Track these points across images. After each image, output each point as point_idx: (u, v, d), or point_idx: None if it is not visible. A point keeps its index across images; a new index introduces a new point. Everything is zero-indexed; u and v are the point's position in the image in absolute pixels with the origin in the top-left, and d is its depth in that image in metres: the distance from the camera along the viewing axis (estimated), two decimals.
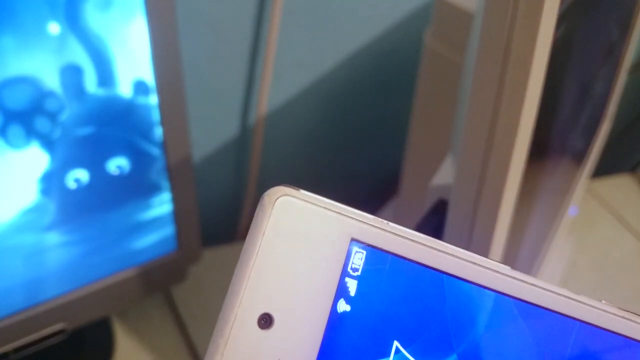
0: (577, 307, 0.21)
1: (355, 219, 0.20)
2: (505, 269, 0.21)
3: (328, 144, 0.69)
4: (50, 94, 0.37)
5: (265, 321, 0.20)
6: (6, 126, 0.36)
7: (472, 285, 0.21)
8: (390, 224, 0.21)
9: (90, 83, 0.38)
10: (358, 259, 0.20)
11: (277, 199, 0.20)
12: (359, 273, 0.20)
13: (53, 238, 0.41)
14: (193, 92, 0.56)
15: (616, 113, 0.57)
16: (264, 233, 0.20)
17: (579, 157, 0.50)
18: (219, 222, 0.68)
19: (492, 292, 0.21)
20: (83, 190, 0.41)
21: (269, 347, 0.20)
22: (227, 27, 0.55)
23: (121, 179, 0.42)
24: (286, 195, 0.20)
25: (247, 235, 0.20)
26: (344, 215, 0.20)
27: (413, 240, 0.21)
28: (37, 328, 0.43)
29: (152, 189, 0.44)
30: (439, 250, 0.21)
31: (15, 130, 0.36)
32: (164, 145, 0.43)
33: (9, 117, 0.36)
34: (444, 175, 0.40)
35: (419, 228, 0.39)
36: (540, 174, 0.38)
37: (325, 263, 0.20)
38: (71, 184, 0.40)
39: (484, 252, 0.32)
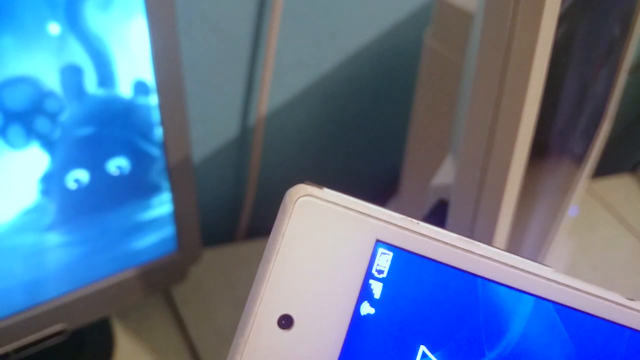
0: (629, 314, 0.19)
1: (381, 220, 0.20)
2: (548, 271, 0.20)
3: (328, 144, 0.69)
4: (50, 94, 0.37)
5: (286, 322, 0.19)
6: (6, 126, 0.36)
7: (510, 289, 0.20)
8: (421, 223, 0.20)
9: (90, 83, 0.38)
10: (384, 261, 0.20)
11: (298, 198, 0.20)
12: (384, 275, 0.20)
13: (53, 238, 0.41)
14: (193, 92, 0.56)
15: (616, 113, 0.57)
16: (284, 234, 0.20)
17: (579, 157, 0.50)
18: (219, 222, 0.68)
19: (531, 296, 0.20)
20: (83, 190, 0.41)
21: (289, 348, 0.19)
22: (227, 27, 0.55)
23: (121, 179, 0.42)
24: (308, 195, 0.20)
25: (270, 235, 0.20)
26: (369, 215, 0.20)
27: (444, 242, 0.20)
28: (38, 328, 0.43)
29: (152, 189, 0.44)
30: (473, 253, 0.20)
31: (16, 130, 0.36)
32: (164, 145, 0.43)
33: (9, 117, 0.36)
34: (444, 175, 0.40)
35: None
36: (540, 174, 0.38)
37: (349, 264, 0.19)
38: (71, 184, 0.40)
39: None
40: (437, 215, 0.38)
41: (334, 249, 0.20)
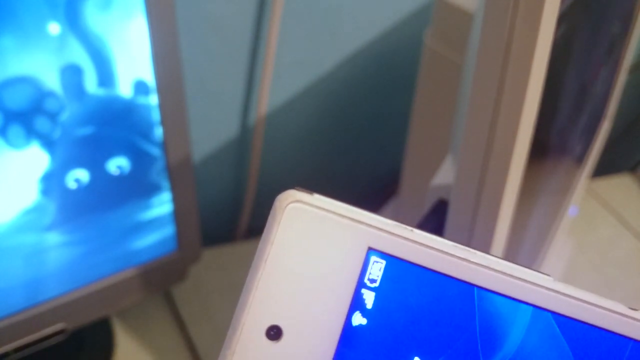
0: (632, 324, 0.19)
1: (374, 227, 0.19)
2: (546, 280, 0.19)
3: (328, 144, 0.69)
4: (50, 94, 0.37)
5: (274, 333, 0.19)
6: (6, 126, 0.36)
7: (507, 299, 0.19)
8: (415, 230, 0.19)
9: (90, 83, 0.38)
10: (376, 269, 0.19)
11: (287, 204, 0.19)
12: (377, 284, 0.19)
13: (53, 238, 0.41)
14: (193, 92, 0.56)
15: (616, 113, 0.57)
16: (272, 242, 0.19)
17: (579, 157, 0.50)
18: (219, 222, 0.68)
19: (529, 306, 0.19)
20: (83, 190, 0.41)
21: (278, 359, 0.19)
22: (227, 27, 0.55)
23: (121, 179, 0.42)
24: (297, 201, 0.19)
25: (260, 242, 0.19)
26: (361, 222, 0.19)
27: (439, 250, 0.19)
28: (38, 328, 0.43)
29: (152, 189, 0.44)
30: (469, 261, 0.19)
31: (16, 130, 0.36)
32: (164, 145, 0.43)
33: (9, 117, 0.36)
34: (444, 175, 0.40)
35: (419, 228, 0.38)
36: (540, 174, 0.38)
37: (339, 273, 0.19)
38: (71, 184, 0.40)
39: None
40: (437, 215, 0.38)
41: (325, 257, 0.19)
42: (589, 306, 0.19)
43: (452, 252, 0.19)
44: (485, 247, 0.32)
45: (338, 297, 0.19)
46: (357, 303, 0.19)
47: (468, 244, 0.33)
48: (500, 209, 0.31)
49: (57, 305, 0.43)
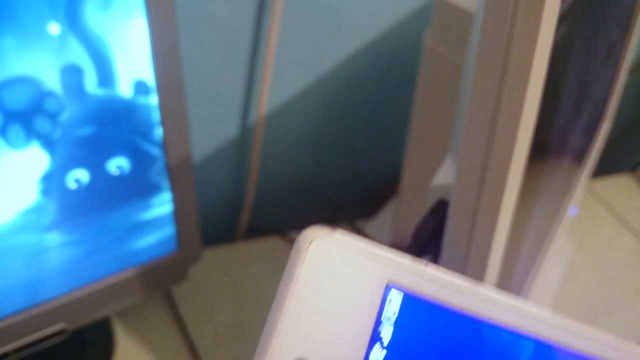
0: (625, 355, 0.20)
1: (391, 262, 0.20)
2: (551, 316, 0.20)
3: (328, 144, 0.69)
4: (50, 94, 0.37)
5: None
6: (6, 126, 0.36)
7: (514, 333, 0.20)
8: (429, 266, 0.20)
9: (90, 83, 0.38)
10: (394, 304, 0.20)
11: (310, 242, 0.20)
12: (394, 318, 0.20)
13: (53, 238, 0.41)
14: (193, 92, 0.56)
15: (616, 113, 0.57)
16: (297, 278, 0.20)
17: (579, 157, 0.50)
18: (219, 222, 0.68)
19: (534, 341, 0.20)
20: (83, 190, 0.41)
21: None
22: (227, 27, 0.55)
23: (121, 179, 0.42)
24: (320, 238, 0.20)
25: (282, 278, 0.20)
26: (380, 258, 0.20)
27: (451, 284, 0.20)
28: (38, 328, 0.43)
29: (152, 189, 0.44)
30: (477, 295, 0.20)
31: (16, 130, 0.36)
32: (164, 145, 0.43)
33: (9, 117, 0.36)
34: (444, 175, 0.40)
35: (419, 228, 0.39)
36: (540, 174, 0.38)
37: (360, 308, 0.20)
38: (71, 184, 0.40)
39: (484, 252, 0.32)
40: (437, 215, 0.38)
41: (346, 292, 0.20)
42: (592, 341, 0.20)
43: (459, 285, 0.20)
44: (485, 247, 0.32)
45: (359, 331, 0.20)
46: (376, 337, 0.20)
47: (468, 244, 0.33)
48: (500, 209, 0.31)
49: (57, 305, 0.43)
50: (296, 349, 0.20)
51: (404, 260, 0.20)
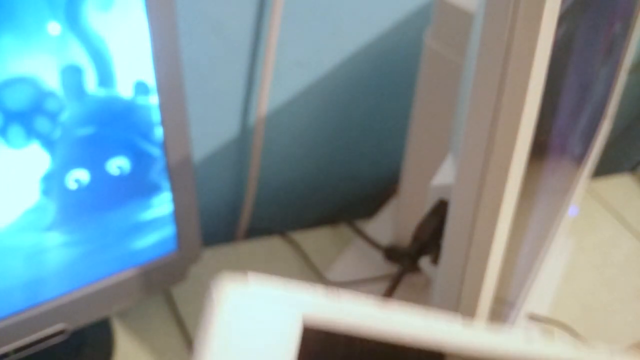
0: None
1: (306, 304, 0.21)
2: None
3: (328, 144, 0.69)
4: (50, 94, 0.37)
5: None
6: (6, 126, 0.36)
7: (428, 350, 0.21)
8: (343, 297, 0.21)
9: (91, 83, 0.38)
10: (311, 343, 0.20)
11: (223, 291, 0.21)
12: (312, 357, 0.20)
13: (53, 238, 0.41)
14: (193, 92, 0.56)
15: (616, 113, 0.57)
16: (213, 332, 0.20)
17: (579, 157, 0.50)
18: (219, 222, 0.68)
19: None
20: (83, 190, 0.41)
21: None
22: (227, 27, 0.55)
23: (121, 179, 0.42)
24: (232, 289, 0.21)
25: (199, 331, 0.21)
26: (293, 302, 0.21)
27: (366, 314, 0.21)
28: (38, 328, 0.43)
29: (152, 189, 0.44)
30: (390, 324, 0.21)
31: (16, 130, 0.36)
32: (164, 145, 0.43)
33: (9, 117, 0.36)
34: (444, 175, 0.40)
35: (419, 228, 0.39)
36: (540, 174, 0.38)
37: (279, 352, 0.20)
38: (71, 184, 0.40)
39: (484, 252, 0.32)
40: (437, 215, 0.38)
41: (263, 338, 0.20)
42: None
43: (378, 315, 0.21)
44: (485, 247, 0.32)
45: None
46: None
47: (468, 244, 0.33)
48: (500, 209, 0.31)
49: (57, 305, 0.43)
50: None
51: (318, 300, 0.21)
